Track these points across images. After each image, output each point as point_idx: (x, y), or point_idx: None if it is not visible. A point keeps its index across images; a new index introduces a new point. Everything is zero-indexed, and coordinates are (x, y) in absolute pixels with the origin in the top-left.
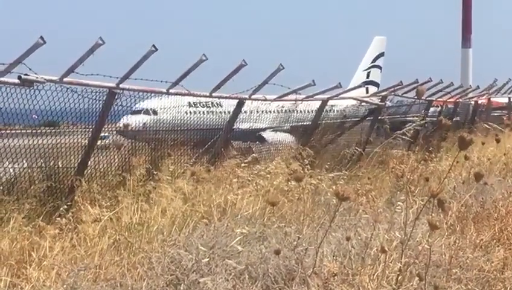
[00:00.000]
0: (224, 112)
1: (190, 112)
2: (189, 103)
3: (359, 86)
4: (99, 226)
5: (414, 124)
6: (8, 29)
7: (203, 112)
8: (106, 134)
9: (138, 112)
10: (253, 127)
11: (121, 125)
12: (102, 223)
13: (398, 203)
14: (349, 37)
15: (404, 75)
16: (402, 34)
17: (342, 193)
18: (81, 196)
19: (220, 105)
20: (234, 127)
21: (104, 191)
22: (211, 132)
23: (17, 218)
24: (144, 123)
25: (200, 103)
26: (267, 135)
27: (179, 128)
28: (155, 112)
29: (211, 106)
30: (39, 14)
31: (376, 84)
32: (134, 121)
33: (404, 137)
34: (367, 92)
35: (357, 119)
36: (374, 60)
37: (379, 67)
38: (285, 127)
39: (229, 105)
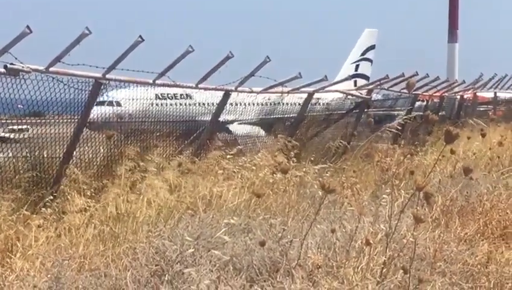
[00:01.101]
0: (195, 104)
1: (157, 104)
2: (156, 95)
3: (346, 79)
4: (85, 217)
5: (400, 118)
6: None
7: (171, 104)
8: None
9: (102, 103)
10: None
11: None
12: (88, 213)
13: (384, 196)
14: (336, 31)
15: (390, 69)
16: (389, 27)
17: (328, 185)
18: (68, 185)
19: (190, 97)
20: (204, 119)
21: (90, 181)
22: (178, 124)
23: (1, 207)
24: (107, 115)
25: (168, 95)
26: (233, 127)
27: (142, 120)
28: (119, 104)
29: (179, 97)
30: (28, 6)
31: (366, 77)
32: (97, 112)
33: (390, 131)
34: (355, 85)
35: (343, 112)
36: (364, 53)
37: (369, 60)
38: (253, 120)
39: (200, 97)
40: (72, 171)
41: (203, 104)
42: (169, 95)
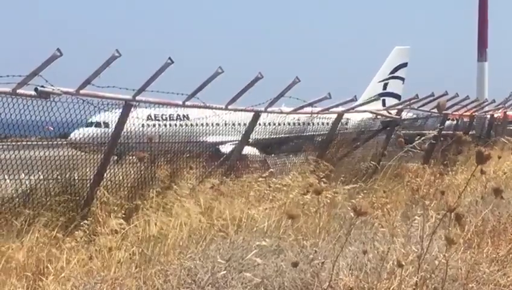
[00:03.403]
0: (192, 125)
1: (148, 125)
2: (149, 115)
3: (375, 99)
4: (117, 238)
5: (424, 138)
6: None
7: (164, 125)
8: None
9: (91, 124)
10: (219, 140)
11: (72, 137)
12: (120, 235)
13: (416, 217)
14: (361, 50)
15: (418, 88)
16: (417, 46)
17: (360, 208)
18: (99, 207)
19: (187, 118)
20: (200, 140)
21: (121, 203)
22: (170, 145)
23: (33, 230)
24: (93, 136)
25: (162, 115)
26: (225, 148)
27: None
28: (107, 125)
29: (175, 118)
30: (58, 27)
31: (396, 96)
32: (84, 133)
33: (418, 150)
34: (384, 105)
35: (373, 132)
36: (394, 71)
37: (400, 78)
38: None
39: (198, 118)
40: (103, 194)
41: (202, 125)
42: (164, 116)
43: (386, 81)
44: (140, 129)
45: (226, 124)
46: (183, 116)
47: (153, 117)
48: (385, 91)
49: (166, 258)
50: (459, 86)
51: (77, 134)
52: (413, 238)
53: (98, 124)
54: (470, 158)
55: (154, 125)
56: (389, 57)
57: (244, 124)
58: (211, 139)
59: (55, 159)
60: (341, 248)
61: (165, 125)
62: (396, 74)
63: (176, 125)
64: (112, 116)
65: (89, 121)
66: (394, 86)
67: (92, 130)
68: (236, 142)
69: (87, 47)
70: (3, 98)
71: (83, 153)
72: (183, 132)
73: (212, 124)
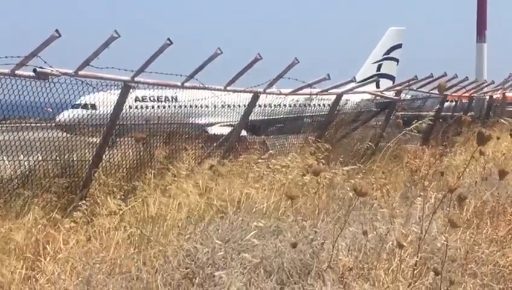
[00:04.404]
0: (180, 106)
1: (136, 107)
2: (136, 97)
3: (373, 80)
4: (115, 219)
5: (422, 121)
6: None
7: (152, 107)
8: None
9: (78, 106)
10: (208, 122)
11: (60, 118)
12: (118, 216)
13: (418, 198)
14: (356, 31)
15: (417, 69)
16: (416, 27)
17: (361, 188)
18: (98, 189)
19: (175, 99)
20: (189, 122)
21: (119, 184)
22: (159, 127)
23: (32, 211)
24: (79, 117)
25: (150, 97)
26: (214, 130)
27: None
28: (94, 107)
29: (163, 100)
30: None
31: (390, 77)
32: (70, 115)
33: (416, 133)
34: (377, 86)
35: (372, 113)
36: (388, 52)
37: (395, 59)
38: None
39: (187, 100)
40: (100, 176)
41: (190, 106)
42: (152, 98)
43: (380, 63)
44: (128, 111)
45: (215, 107)
46: (172, 98)
47: (140, 99)
48: (379, 72)
49: (167, 239)
50: (458, 69)
51: (63, 116)
52: (413, 219)
53: (85, 106)
54: (469, 139)
55: (141, 107)
56: (383, 38)
57: (234, 106)
58: (199, 120)
59: (54, 141)
60: (341, 229)
61: (153, 107)
62: (390, 55)
63: (164, 107)
64: (99, 98)
65: (76, 102)
66: (388, 67)
67: (78, 112)
68: (225, 123)
69: (88, 27)
70: (2, 79)
71: (69, 135)
72: (171, 114)
73: (201, 106)
